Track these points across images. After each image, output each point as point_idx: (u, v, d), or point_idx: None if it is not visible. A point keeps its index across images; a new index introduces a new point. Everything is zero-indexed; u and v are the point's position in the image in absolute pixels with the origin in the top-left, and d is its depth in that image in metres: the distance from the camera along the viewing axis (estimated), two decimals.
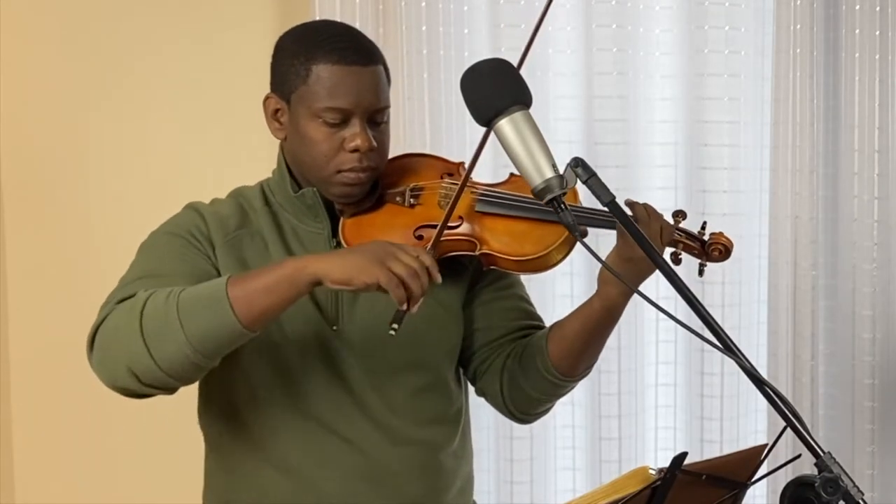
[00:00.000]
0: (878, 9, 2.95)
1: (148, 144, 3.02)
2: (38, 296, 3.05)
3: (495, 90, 1.61)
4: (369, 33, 2.89)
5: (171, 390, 1.77)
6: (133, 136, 3.02)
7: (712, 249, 1.93)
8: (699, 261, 1.94)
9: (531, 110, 1.62)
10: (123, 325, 1.73)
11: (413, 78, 2.91)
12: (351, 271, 1.67)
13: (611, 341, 3.08)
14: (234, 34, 3.01)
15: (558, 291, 3.04)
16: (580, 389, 3.07)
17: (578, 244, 1.87)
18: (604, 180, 1.58)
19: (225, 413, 1.93)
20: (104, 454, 3.08)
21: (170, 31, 3.01)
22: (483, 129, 1.67)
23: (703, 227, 1.95)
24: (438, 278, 1.72)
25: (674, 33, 3.05)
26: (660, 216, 1.88)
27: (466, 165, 1.92)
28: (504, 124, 1.59)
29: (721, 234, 1.95)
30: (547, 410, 2.06)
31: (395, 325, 1.70)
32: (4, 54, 2.99)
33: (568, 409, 3.09)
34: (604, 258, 1.83)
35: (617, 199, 1.59)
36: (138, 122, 3.02)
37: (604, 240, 1.95)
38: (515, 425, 2.99)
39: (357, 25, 2.88)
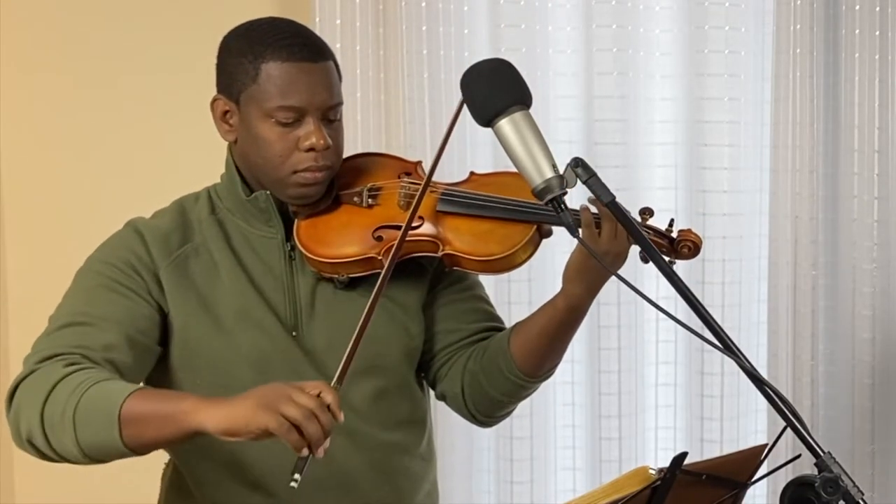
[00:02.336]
0: (878, 9, 2.94)
1: (147, 144, 3.02)
2: (38, 296, 3.04)
3: (495, 90, 1.61)
4: (369, 33, 2.90)
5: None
6: (132, 135, 3.01)
7: (681, 247, 1.87)
8: (668, 258, 1.87)
9: (531, 110, 1.62)
10: (30, 402, 1.69)
11: (413, 78, 2.90)
12: (236, 420, 1.55)
13: (611, 341, 3.14)
14: None
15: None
16: (580, 389, 3.08)
17: (540, 243, 1.87)
18: (604, 180, 1.58)
19: None
20: None
21: (169, 31, 3.01)
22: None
23: (671, 225, 1.89)
24: (341, 417, 1.58)
25: (674, 33, 3.05)
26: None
27: (426, 165, 1.86)
28: (504, 124, 1.59)
29: (689, 230, 1.89)
30: (509, 413, 2.02)
31: (297, 476, 1.55)
32: (5, 54, 2.99)
33: (568, 409, 3.09)
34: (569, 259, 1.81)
35: (617, 199, 1.59)
36: (138, 121, 3.01)
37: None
38: (515, 425, 2.99)
39: (357, 25, 2.88)
